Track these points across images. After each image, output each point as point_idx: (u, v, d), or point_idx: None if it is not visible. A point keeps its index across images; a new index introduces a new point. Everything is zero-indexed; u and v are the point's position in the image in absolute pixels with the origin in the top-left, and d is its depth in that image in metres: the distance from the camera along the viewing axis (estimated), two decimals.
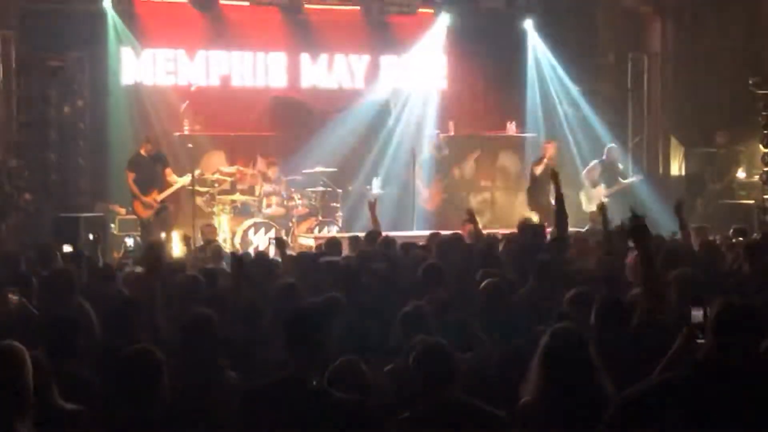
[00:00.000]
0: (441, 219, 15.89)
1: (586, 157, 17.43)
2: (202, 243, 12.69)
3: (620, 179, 16.33)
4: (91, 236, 13.27)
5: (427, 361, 4.69)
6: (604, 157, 16.43)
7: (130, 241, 14.45)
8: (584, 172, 16.48)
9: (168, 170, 14.96)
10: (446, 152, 16.91)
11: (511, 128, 17.59)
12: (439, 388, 4.62)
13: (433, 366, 4.66)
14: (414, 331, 5.65)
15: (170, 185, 14.97)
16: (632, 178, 16.63)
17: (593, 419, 4.39)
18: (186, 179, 15.00)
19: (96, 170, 15.97)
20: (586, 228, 13.69)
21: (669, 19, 17.74)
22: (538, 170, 15.47)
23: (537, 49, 18.08)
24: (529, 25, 18.03)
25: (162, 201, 14.82)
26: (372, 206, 12.00)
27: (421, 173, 16.40)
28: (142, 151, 14.86)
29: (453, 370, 4.69)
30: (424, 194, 16.38)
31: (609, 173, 16.28)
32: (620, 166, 16.87)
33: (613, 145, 16.71)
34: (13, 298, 6.98)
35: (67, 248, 11.02)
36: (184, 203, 16.20)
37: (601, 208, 10.32)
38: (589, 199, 16.00)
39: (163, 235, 14.19)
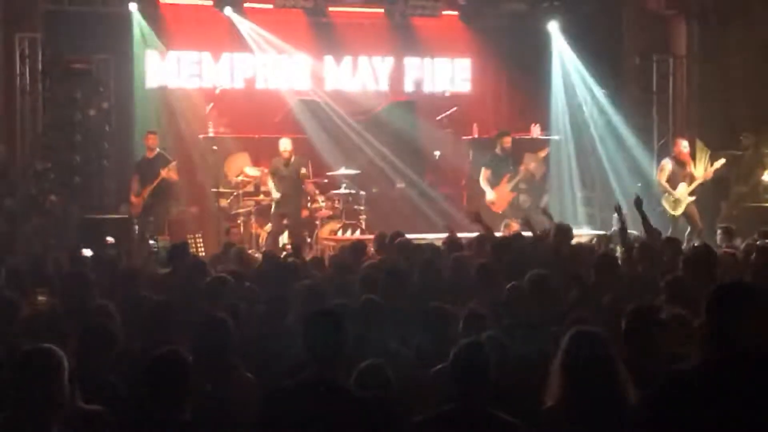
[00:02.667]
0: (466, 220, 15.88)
1: (610, 159, 17.37)
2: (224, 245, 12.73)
3: (695, 174, 15.31)
4: (110, 239, 13.36)
5: (465, 361, 4.63)
6: (673, 152, 15.56)
7: (154, 243, 14.51)
8: (658, 174, 15.47)
9: (163, 170, 14.94)
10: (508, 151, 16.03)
11: (536, 130, 17.52)
12: (472, 391, 4.57)
13: (469, 367, 4.61)
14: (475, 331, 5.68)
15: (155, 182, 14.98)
16: (715, 166, 15.38)
17: (615, 422, 4.37)
18: (164, 173, 14.91)
19: (121, 172, 16.03)
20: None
21: (694, 21, 17.63)
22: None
23: (561, 51, 18.02)
24: (553, 27, 17.96)
25: (149, 198, 14.89)
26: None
27: (488, 174, 15.75)
28: (148, 154, 15.07)
29: (487, 374, 4.61)
30: (490, 196, 15.66)
31: (683, 169, 15.28)
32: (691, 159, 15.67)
33: (680, 138, 15.91)
34: (41, 298, 7.04)
35: (86, 251, 11.10)
36: (208, 205, 16.27)
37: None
38: (674, 202, 15.04)
39: (151, 241, 14.29)
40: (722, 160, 15.50)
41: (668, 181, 15.13)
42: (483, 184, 15.75)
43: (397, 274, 7.71)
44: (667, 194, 15.15)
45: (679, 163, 15.27)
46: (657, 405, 3.90)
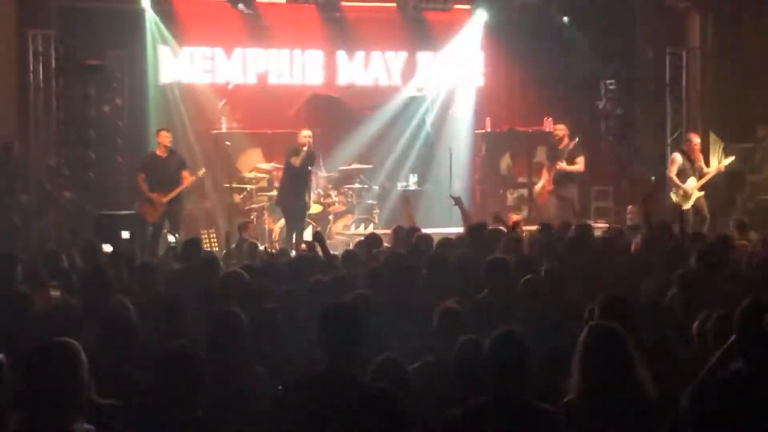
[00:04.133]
0: (480, 214, 15.87)
1: (623, 152, 17.33)
2: (238, 240, 12.75)
3: (704, 169, 15.17)
4: (126, 234, 13.37)
5: (502, 351, 4.61)
6: (683, 147, 15.45)
7: (171, 238, 14.50)
8: (668, 168, 15.28)
9: (185, 172, 14.53)
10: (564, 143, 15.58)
11: (548, 124, 17.47)
12: (510, 381, 4.55)
13: (508, 357, 4.58)
14: (453, 330, 5.66)
15: (179, 187, 14.53)
16: (724, 162, 15.41)
17: (634, 416, 4.37)
18: (189, 181, 14.58)
19: (135, 168, 16.01)
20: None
21: (708, 14, 17.56)
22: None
23: (573, 44, 17.98)
24: (566, 20, 17.93)
25: (169, 203, 14.41)
26: (406, 202, 12.08)
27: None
28: (157, 152, 14.61)
29: (527, 365, 4.60)
30: (536, 187, 15.69)
31: (693, 164, 15.11)
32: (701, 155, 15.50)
33: (692, 133, 15.81)
34: (55, 293, 7.06)
35: (107, 247, 11.14)
36: (221, 201, 16.29)
37: None
38: (683, 196, 14.87)
39: (171, 237, 14.15)
40: (732, 157, 15.48)
41: (678, 174, 14.97)
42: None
43: (402, 269, 7.67)
44: (679, 189, 15.04)
45: (690, 158, 15.08)
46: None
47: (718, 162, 15.59)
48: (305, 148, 14.43)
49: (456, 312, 6.00)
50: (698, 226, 14.10)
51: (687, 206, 14.88)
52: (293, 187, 14.56)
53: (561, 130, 15.62)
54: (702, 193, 14.91)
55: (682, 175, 14.98)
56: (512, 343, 4.62)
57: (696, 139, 15.34)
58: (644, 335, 5.46)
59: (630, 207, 14.68)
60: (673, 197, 15.03)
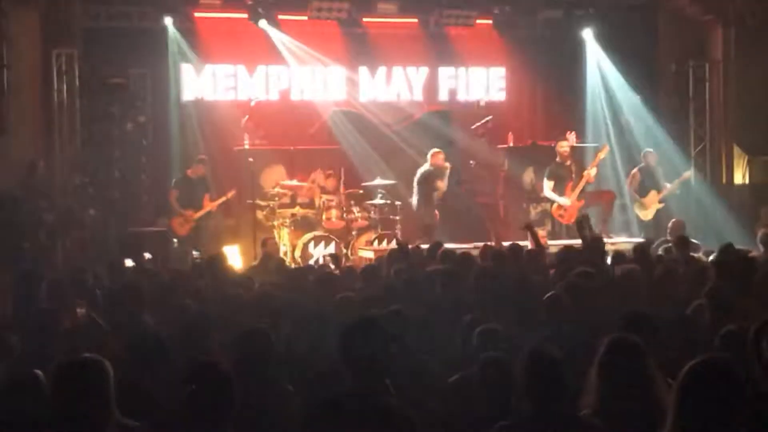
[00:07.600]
0: (505, 229, 15.85)
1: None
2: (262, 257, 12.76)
3: (664, 181, 16.02)
4: (148, 255, 13.43)
5: (539, 371, 4.56)
6: (642, 163, 16.20)
7: (196, 254, 14.62)
8: (627, 183, 16.30)
9: (206, 196, 15.47)
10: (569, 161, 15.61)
11: (571, 138, 17.41)
12: (548, 401, 4.50)
13: (545, 378, 4.53)
14: (489, 345, 5.63)
15: (204, 209, 15.47)
16: (683, 176, 16.26)
17: (651, 430, 4.34)
18: (217, 203, 15.55)
19: (159, 186, 16.13)
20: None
21: (730, 26, 17.51)
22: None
23: (596, 58, 17.95)
24: (588, 34, 17.90)
25: (198, 220, 15.43)
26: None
27: (552, 185, 15.46)
28: (189, 173, 15.45)
29: (565, 384, 4.55)
30: (565, 202, 15.37)
31: (652, 177, 16.01)
32: (659, 168, 16.26)
33: (649, 149, 16.37)
34: (81, 311, 7.09)
35: (128, 262, 11.19)
36: (244, 217, 16.32)
37: None
38: (643, 207, 15.90)
39: (195, 252, 14.48)
40: (688, 172, 16.56)
41: (638, 189, 15.97)
42: (550, 195, 15.54)
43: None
44: (637, 202, 15.94)
45: (649, 174, 16.00)
46: None
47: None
48: (448, 166, 15.55)
49: (495, 331, 5.97)
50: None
51: (648, 218, 15.82)
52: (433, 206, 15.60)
53: (567, 144, 15.66)
54: (662, 205, 15.82)
55: (642, 189, 15.98)
56: (551, 355, 4.59)
57: (649, 156, 16.19)
58: (670, 352, 5.42)
59: (673, 221, 14.73)
60: (636, 210, 16.04)
